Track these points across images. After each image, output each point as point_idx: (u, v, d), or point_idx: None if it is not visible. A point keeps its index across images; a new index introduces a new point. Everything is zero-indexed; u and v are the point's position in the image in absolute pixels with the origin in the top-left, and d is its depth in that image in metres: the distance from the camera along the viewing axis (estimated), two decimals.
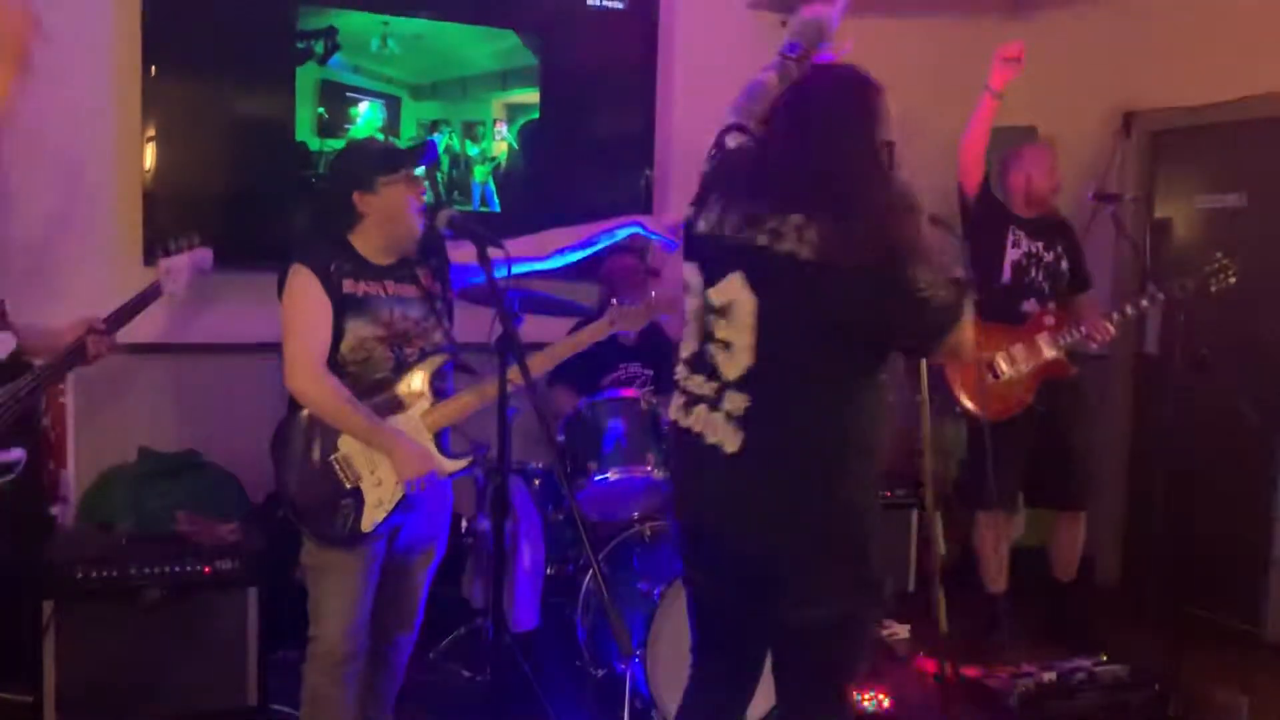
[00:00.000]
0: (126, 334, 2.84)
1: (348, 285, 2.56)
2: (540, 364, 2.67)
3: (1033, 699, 3.40)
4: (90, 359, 2.57)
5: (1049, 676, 3.52)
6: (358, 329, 2.55)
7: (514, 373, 2.25)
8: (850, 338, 1.91)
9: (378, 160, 2.60)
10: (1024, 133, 4.61)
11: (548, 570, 3.41)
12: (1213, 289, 3.66)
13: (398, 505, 2.55)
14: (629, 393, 3.32)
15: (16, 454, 2.38)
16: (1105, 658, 3.63)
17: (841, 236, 1.86)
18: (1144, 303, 3.77)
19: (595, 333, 2.81)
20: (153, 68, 3.62)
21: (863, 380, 1.98)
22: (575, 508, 2.09)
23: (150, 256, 3.60)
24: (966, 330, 1.95)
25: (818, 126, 1.98)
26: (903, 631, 3.95)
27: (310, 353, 2.50)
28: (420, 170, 2.65)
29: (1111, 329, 3.80)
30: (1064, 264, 3.95)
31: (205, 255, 2.90)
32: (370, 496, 2.54)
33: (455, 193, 4.07)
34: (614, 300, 2.89)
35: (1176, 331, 3.77)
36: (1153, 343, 4.62)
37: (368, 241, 2.60)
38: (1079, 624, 4.07)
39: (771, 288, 1.93)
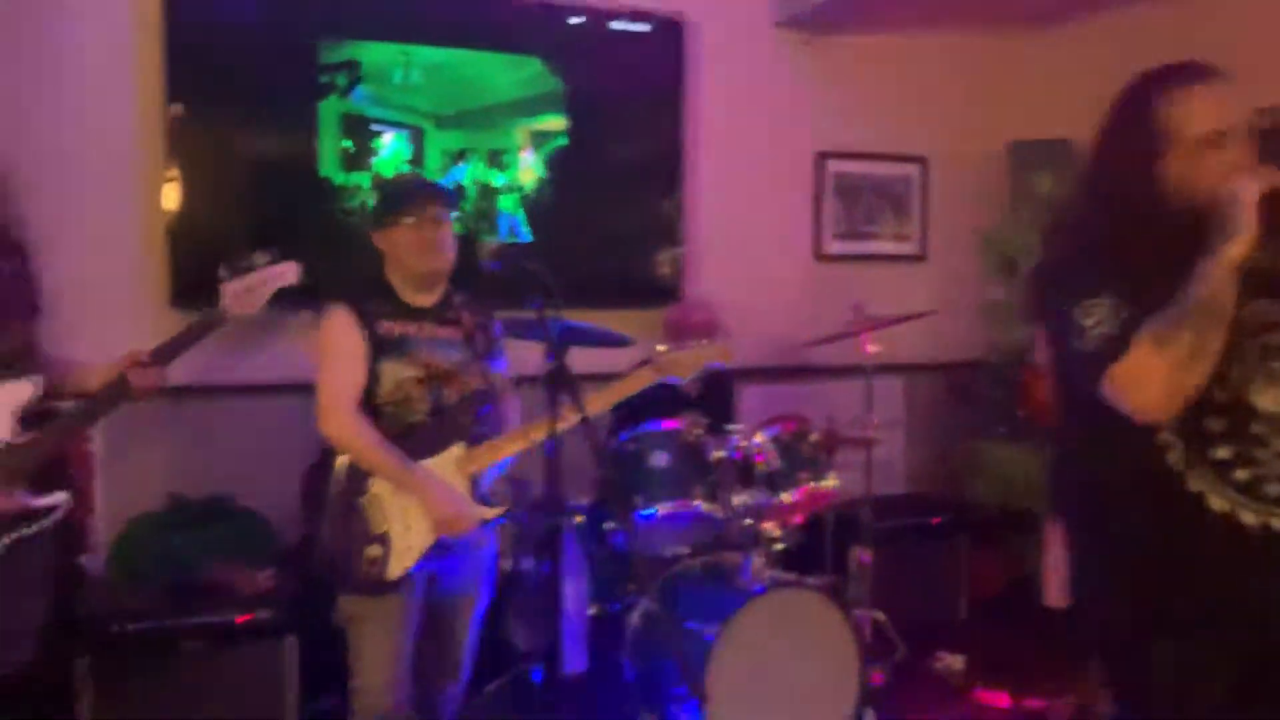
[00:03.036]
0: None
1: (384, 326, 2.51)
2: (594, 406, 2.56)
3: None
4: (136, 395, 2.40)
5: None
6: (395, 370, 2.49)
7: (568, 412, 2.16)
8: None
9: (385, 199, 2.61)
10: (1057, 146, 4.53)
11: (591, 610, 3.30)
12: None
13: (428, 552, 2.47)
14: (671, 424, 3.20)
15: (59, 498, 2.28)
16: None
17: None
18: None
19: (642, 380, 2.65)
20: (175, 105, 3.55)
21: None
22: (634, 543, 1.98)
23: (178, 298, 3.54)
24: None
25: None
26: (957, 662, 3.82)
27: (341, 395, 2.45)
28: (441, 205, 2.57)
29: None
30: None
31: (286, 270, 2.64)
32: (399, 543, 2.46)
33: (482, 224, 3.99)
34: (658, 346, 2.74)
35: None
36: None
37: (398, 281, 2.56)
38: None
39: None
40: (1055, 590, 3.89)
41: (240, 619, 3.07)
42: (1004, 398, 4.50)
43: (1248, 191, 1.67)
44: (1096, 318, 1.75)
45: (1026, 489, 4.27)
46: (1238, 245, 1.67)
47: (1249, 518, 1.75)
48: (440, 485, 2.45)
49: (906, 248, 4.80)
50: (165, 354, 2.44)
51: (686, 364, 2.66)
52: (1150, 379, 1.70)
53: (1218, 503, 1.76)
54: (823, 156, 4.59)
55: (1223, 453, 1.77)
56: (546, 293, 2.26)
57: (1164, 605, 1.79)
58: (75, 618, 2.99)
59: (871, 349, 3.70)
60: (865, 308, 3.70)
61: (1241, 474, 1.76)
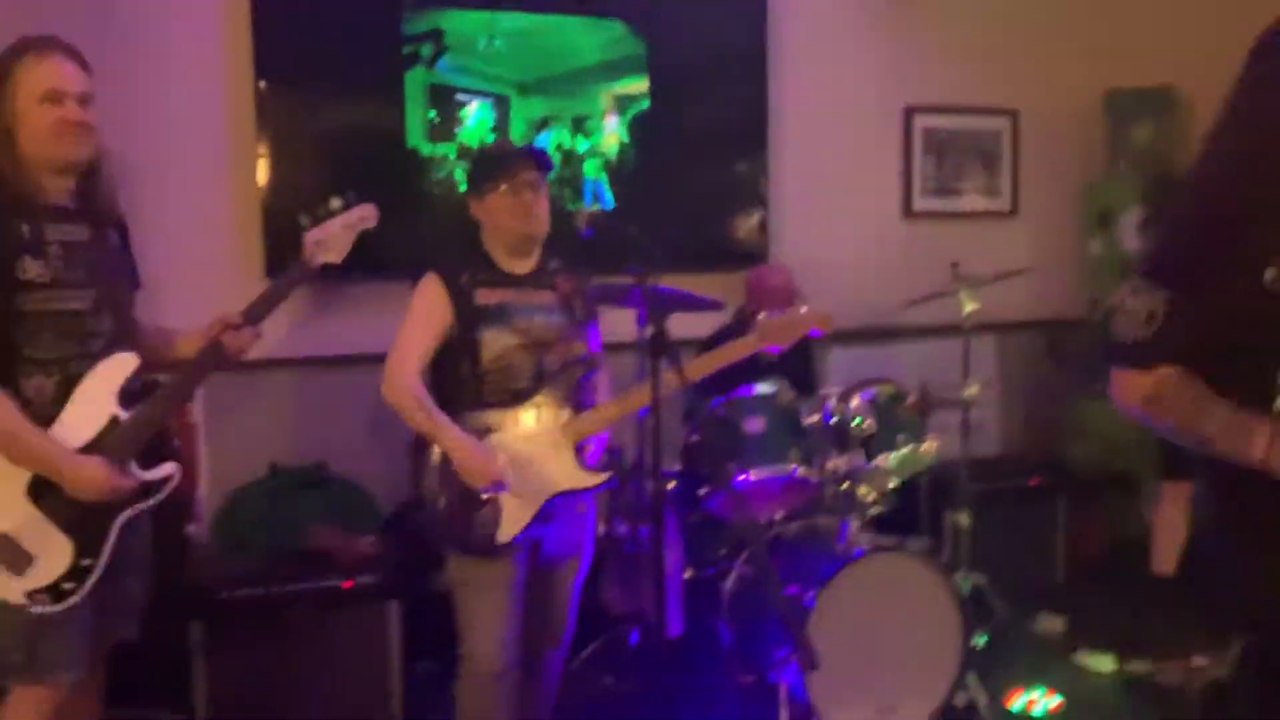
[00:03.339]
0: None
1: (481, 295, 2.52)
2: (692, 373, 2.54)
3: (1211, 695, 3.18)
4: (231, 358, 2.39)
5: (1225, 671, 3.30)
6: (496, 339, 2.50)
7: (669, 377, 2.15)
8: None
9: (480, 166, 2.63)
10: (1157, 94, 4.36)
11: (685, 575, 3.30)
12: None
13: (536, 516, 2.48)
14: (765, 389, 3.17)
15: (168, 469, 2.32)
16: None
17: None
18: None
19: (745, 347, 2.66)
20: (263, 82, 3.60)
21: None
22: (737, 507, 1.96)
23: (272, 268, 3.60)
24: None
25: None
26: (1058, 625, 3.75)
27: (405, 361, 2.51)
28: (536, 170, 2.56)
29: None
30: None
31: (367, 211, 2.61)
32: (508, 505, 2.47)
33: (566, 190, 3.98)
34: (761, 314, 2.72)
35: None
36: None
37: (495, 249, 2.57)
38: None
39: None
40: (1165, 555, 3.79)
41: (345, 584, 3.13)
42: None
43: None
44: (1147, 308, 1.61)
45: (1127, 449, 4.17)
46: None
47: None
48: (472, 444, 2.45)
49: (997, 204, 4.68)
50: (256, 313, 2.42)
51: (788, 331, 2.63)
52: (1133, 401, 1.64)
53: None
54: (911, 111, 4.48)
55: None
56: (646, 258, 2.24)
57: None
58: (185, 586, 3.08)
59: (967, 308, 3.62)
60: (959, 266, 3.61)
61: None
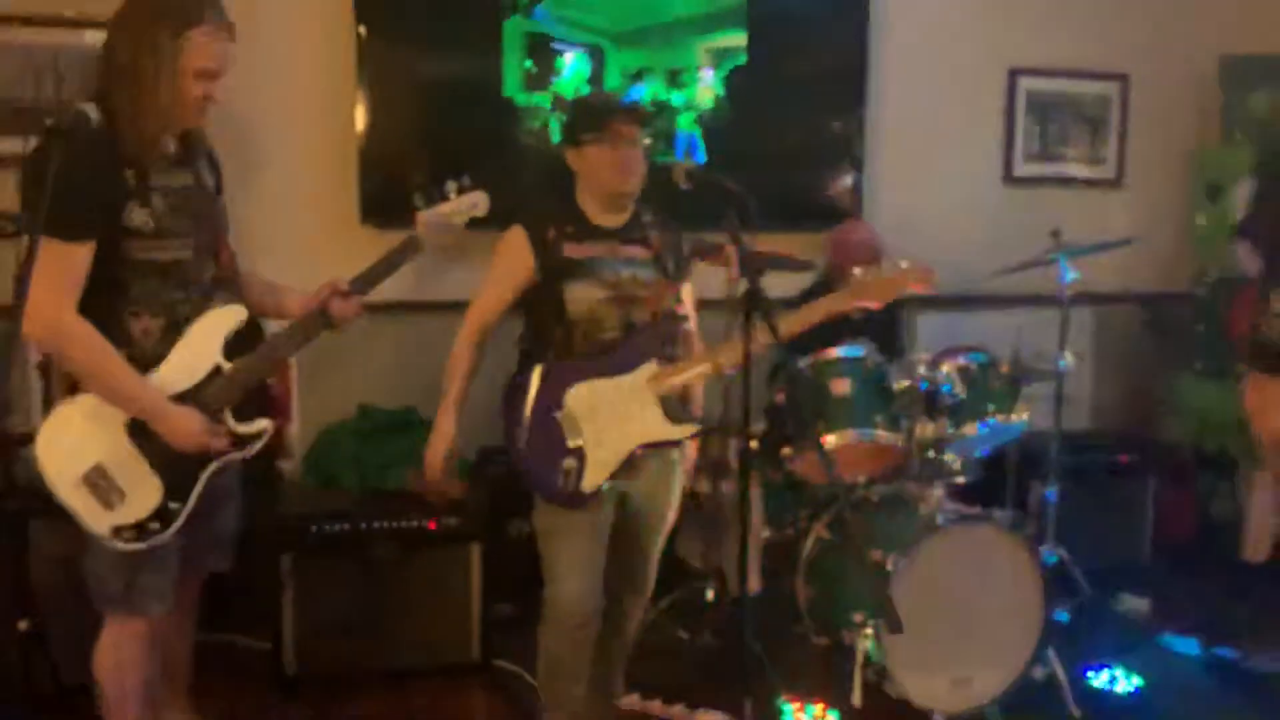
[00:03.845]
0: None
1: (569, 249, 2.52)
2: (785, 330, 2.51)
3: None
4: (337, 324, 2.47)
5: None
6: (583, 292, 2.50)
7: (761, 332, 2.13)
8: None
9: (580, 116, 2.59)
10: (1276, 62, 4.17)
11: (766, 534, 3.31)
12: None
13: (620, 466, 2.50)
14: (855, 352, 3.13)
15: (263, 424, 2.38)
16: None
17: None
18: None
19: (840, 303, 2.59)
20: (363, 28, 3.62)
21: None
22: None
23: (367, 214, 3.65)
24: None
25: None
26: (1143, 605, 3.68)
27: (477, 316, 2.60)
28: (637, 124, 2.54)
29: None
30: None
31: (478, 200, 2.65)
32: (593, 456, 2.49)
33: (660, 143, 3.95)
34: (857, 269, 2.66)
35: None
36: None
37: (588, 201, 2.56)
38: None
39: None
40: (1257, 542, 3.69)
41: (430, 524, 3.20)
42: (1206, 330, 4.24)
43: None
44: None
45: (1224, 430, 4.04)
46: None
47: None
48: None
49: (1102, 171, 4.53)
50: (364, 283, 2.49)
51: (887, 288, 2.57)
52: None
53: None
54: (1015, 73, 4.35)
55: None
56: (744, 213, 2.22)
57: None
58: (276, 519, 3.18)
59: (1067, 278, 3.52)
60: (1061, 234, 3.51)
61: None
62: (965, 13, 4.27)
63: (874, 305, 2.59)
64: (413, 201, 2.61)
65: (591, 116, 2.54)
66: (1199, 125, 4.49)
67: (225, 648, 3.28)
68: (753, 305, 2.12)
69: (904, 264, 2.60)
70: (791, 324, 2.52)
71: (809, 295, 2.90)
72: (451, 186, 2.61)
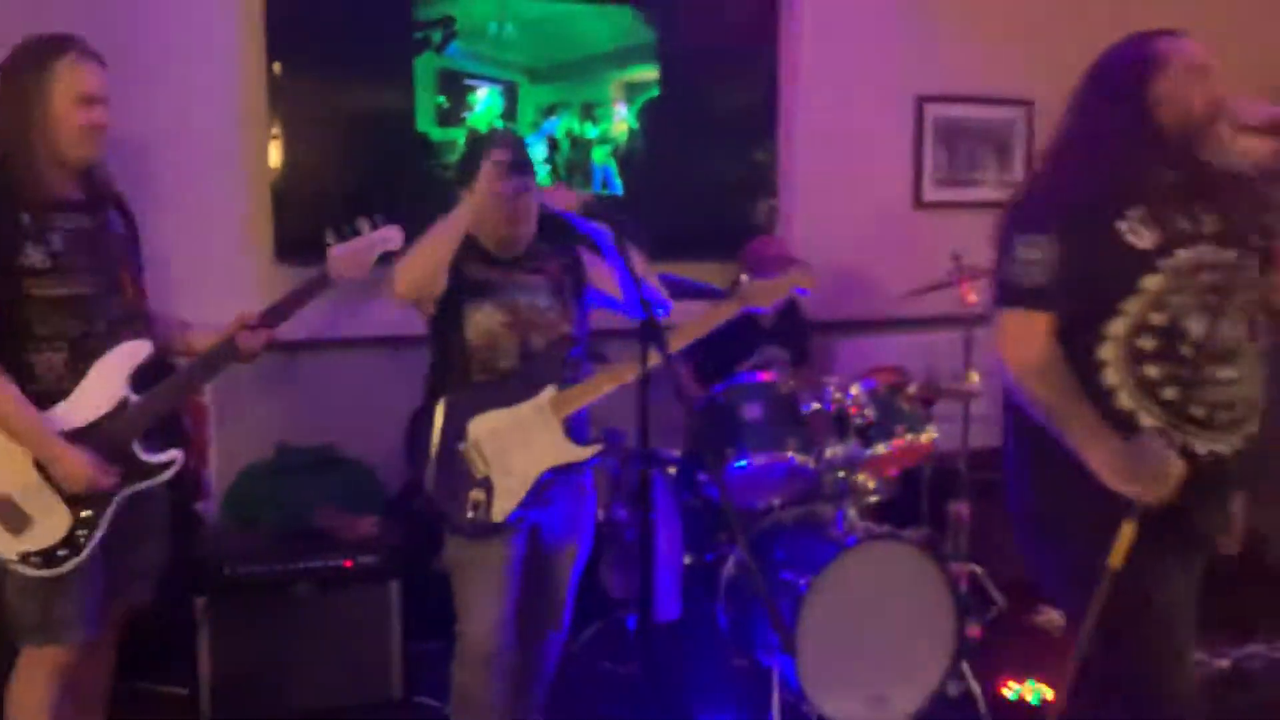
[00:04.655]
0: None
1: (470, 269, 2.55)
2: (674, 345, 2.56)
3: (1206, 690, 3.18)
4: (245, 357, 2.48)
5: (1221, 664, 3.30)
6: (483, 314, 2.53)
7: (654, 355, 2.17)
8: None
9: (471, 158, 2.60)
10: None
11: (685, 559, 3.33)
12: None
13: (529, 495, 2.52)
14: (765, 376, 3.20)
15: (171, 455, 2.39)
16: None
17: None
18: None
19: (724, 311, 2.66)
20: (277, 65, 3.63)
21: None
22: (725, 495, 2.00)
23: (281, 252, 3.64)
24: None
25: None
26: (1058, 618, 3.75)
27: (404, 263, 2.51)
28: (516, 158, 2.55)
29: None
30: None
31: (390, 235, 2.66)
32: (501, 484, 2.51)
33: (575, 176, 4.00)
34: (744, 276, 2.75)
35: None
36: None
37: (483, 235, 2.58)
38: (1249, 606, 3.80)
39: None
40: None
41: (347, 563, 3.18)
42: None
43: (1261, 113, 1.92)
44: (1035, 256, 1.94)
45: None
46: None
47: (1173, 436, 1.89)
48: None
49: (1010, 194, 4.64)
50: (274, 316, 2.51)
51: (771, 291, 2.66)
52: (1027, 351, 1.96)
53: (1147, 420, 1.90)
54: (922, 100, 4.47)
55: (1152, 371, 1.91)
56: (638, 244, 2.27)
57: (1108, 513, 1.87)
58: (193, 560, 3.14)
59: (972, 299, 3.61)
60: (965, 256, 3.60)
61: (1169, 393, 1.91)
62: (873, 43, 4.38)
63: (763, 309, 2.66)
64: (324, 238, 2.63)
65: (472, 151, 2.57)
66: None
67: (142, 695, 3.22)
68: (647, 333, 2.16)
69: (792, 269, 2.71)
70: (687, 332, 2.57)
71: None
72: (363, 223, 2.63)
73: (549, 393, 2.55)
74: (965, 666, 3.11)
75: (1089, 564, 1.89)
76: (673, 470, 3.37)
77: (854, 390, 3.16)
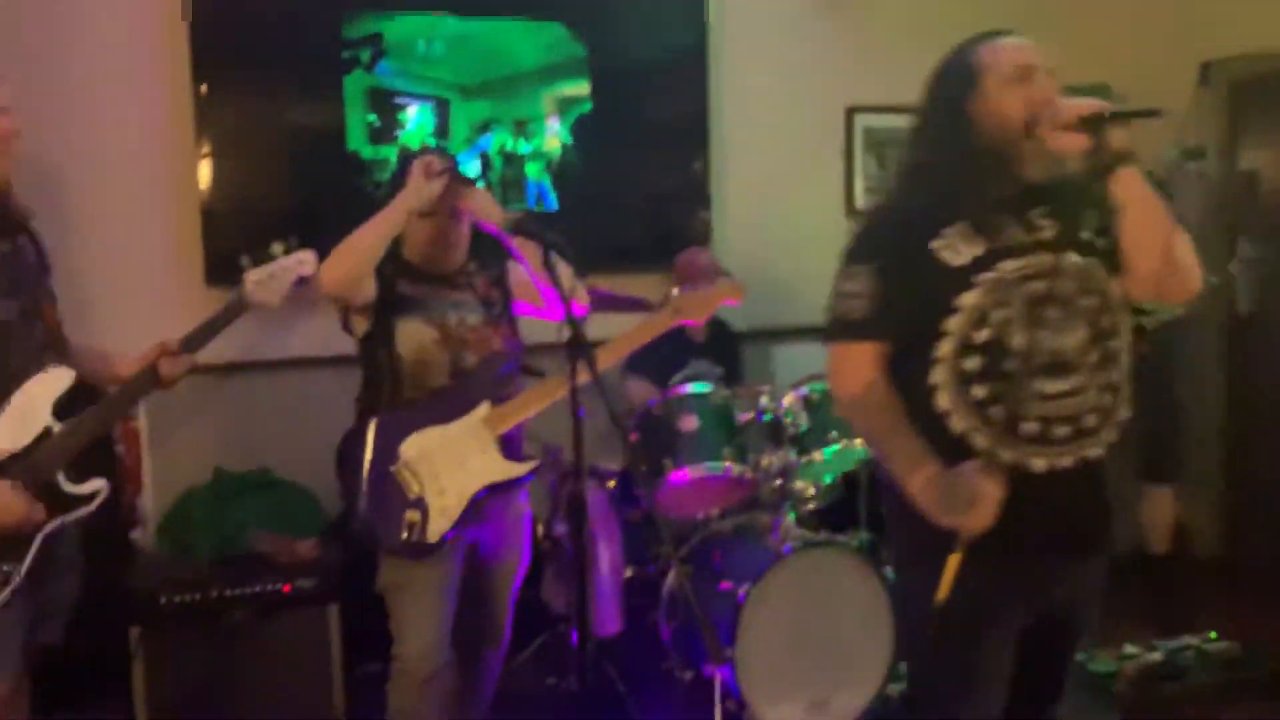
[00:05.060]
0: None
1: (401, 285, 2.55)
2: (604, 360, 2.57)
3: (1140, 681, 3.26)
4: (165, 383, 2.46)
5: (1154, 656, 3.38)
6: (413, 329, 2.54)
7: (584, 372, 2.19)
8: None
9: (398, 170, 2.61)
10: (1097, 91, 4.42)
11: (627, 573, 3.34)
12: None
13: (464, 514, 2.51)
14: (701, 388, 3.22)
15: (95, 485, 2.34)
16: (1214, 635, 3.48)
17: None
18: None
19: (658, 324, 2.69)
20: (203, 86, 3.60)
21: None
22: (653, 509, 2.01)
23: (212, 275, 3.60)
24: None
25: None
26: None
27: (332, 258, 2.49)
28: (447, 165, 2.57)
29: None
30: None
31: (305, 259, 2.67)
32: (436, 504, 2.50)
33: (509, 192, 4.01)
34: (674, 289, 2.77)
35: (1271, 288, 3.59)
36: (1246, 301, 4.41)
37: (413, 252, 2.59)
38: (1179, 600, 3.90)
39: None
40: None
41: (285, 588, 3.15)
42: None
43: (1069, 110, 1.82)
44: (855, 288, 1.91)
45: None
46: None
47: (1006, 455, 1.81)
48: None
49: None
50: (193, 342, 2.50)
51: (702, 304, 2.69)
52: (853, 383, 1.92)
53: (980, 441, 1.83)
54: (852, 111, 4.53)
55: (979, 391, 1.83)
56: (567, 260, 2.28)
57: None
58: (127, 590, 3.09)
59: None
60: None
61: (997, 412, 1.82)
62: (802, 55, 4.44)
63: (694, 322, 2.69)
64: (240, 262, 2.62)
65: (400, 169, 2.57)
66: None
67: None
68: (574, 349, 2.18)
69: (720, 280, 2.74)
70: (611, 351, 2.59)
71: None
72: (278, 247, 2.63)
73: (483, 410, 2.55)
74: (905, 668, 3.14)
75: (924, 595, 1.83)
76: (612, 484, 3.38)
77: (787, 399, 3.20)
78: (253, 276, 2.58)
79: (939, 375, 1.86)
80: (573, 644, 3.42)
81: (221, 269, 3.58)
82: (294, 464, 3.64)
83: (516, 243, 2.51)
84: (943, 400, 1.86)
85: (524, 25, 3.98)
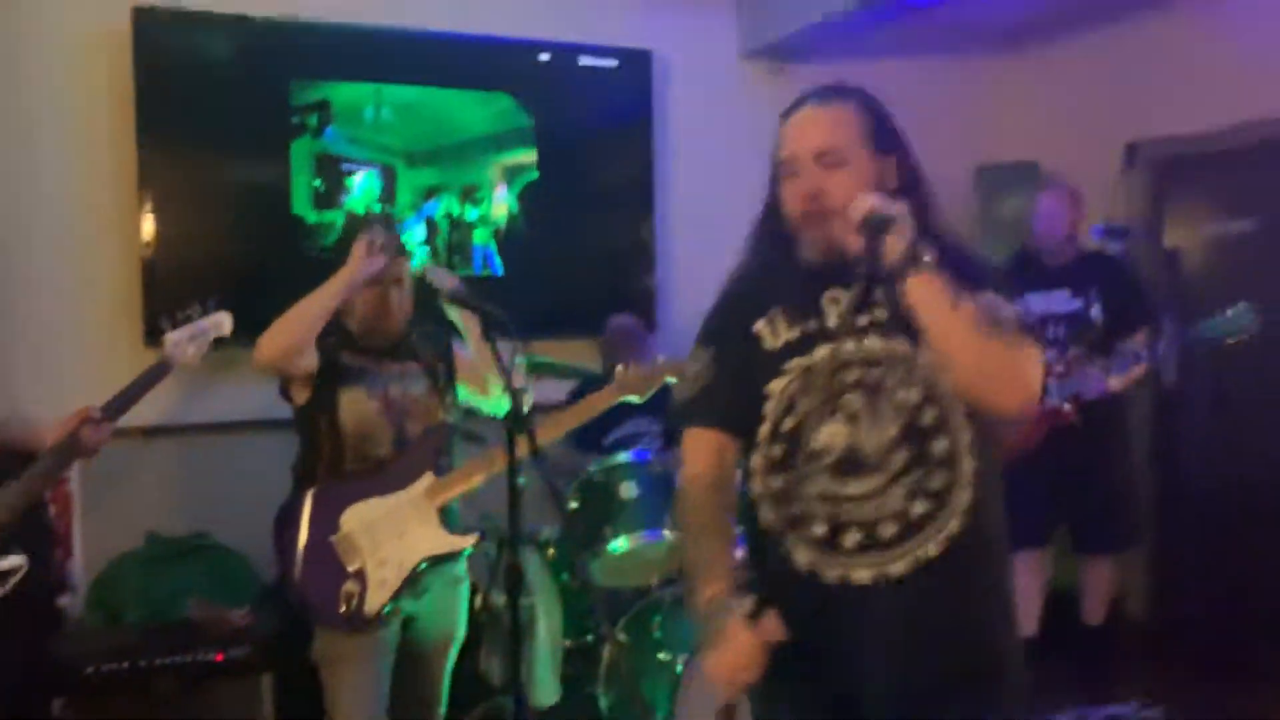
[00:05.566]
0: (128, 417, 2.77)
1: (344, 356, 2.56)
2: (548, 434, 2.62)
3: None
4: (87, 451, 2.46)
5: None
6: (356, 400, 2.54)
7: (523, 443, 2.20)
8: None
9: (342, 236, 2.64)
10: (1025, 169, 4.58)
11: (565, 642, 3.32)
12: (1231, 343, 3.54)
13: (403, 586, 2.50)
14: (640, 455, 3.24)
15: (15, 560, 2.30)
16: (1145, 701, 3.53)
17: None
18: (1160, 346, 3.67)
19: (603, 400, 2.74)
20: (146, 147, 3.59)
21: None
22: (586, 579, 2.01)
23: (151, 335, 3.57)
24: None
25: None
26: None
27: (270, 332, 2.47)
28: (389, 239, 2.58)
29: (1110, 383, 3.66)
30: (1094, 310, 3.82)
31: (221, 320, 2.76)
32: (375, 576, 2.48)
33: (455, 257, 4.03)
34: (619, 365, 2.82)
35: (1195, 362, 3.70)
36: (1170, 371, 4.53)
37: (355, 324, 2.60)
38: (1110, 667, 3.95)
39: None
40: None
41: (217, 657, 3.09)
42: None
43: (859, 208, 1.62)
44: (694, 370, 1.80)
45: None
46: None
47: (801, 557, 1.66)
48: None
49: None
50: (115, 408, 2.52)
51: (646, 381, 2.73)
52: (690, 467, 1.75)
53: (789, 537, 1.67)
54: None
55: (776, 482, 1.70)
56: (503, 331, 2.30)
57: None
58: (52, 660, 3.01)
59: None
60: None
61: (794, 508, 1.67)
62: (743, 130, 4.52)
63: (636, 398, 2.73)
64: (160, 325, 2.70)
65: (343, 240, 2.59)
66: (957, 228, 4.86)
67: None
68: (514, 421, 2.19)
69: (660, 358, 2.81)
70: (557, 425, 2.62)
71: (577, 395, 3.03)
72: (196, 309, 2.71)
73: (425, 481, 2.55)
74: None
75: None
76: (552, 552, 3.37)
77: None
78: (172, 338, 2.66)
79: (754, 460, 1.73)
80: (511, 715, 3.38)
81: (160, 330, 3.56)
82: (229, 528, 3.60)
83: (456, 314, 2.54)
84: (756, 487, 1.73)
85: (471, 95, 4.05)
